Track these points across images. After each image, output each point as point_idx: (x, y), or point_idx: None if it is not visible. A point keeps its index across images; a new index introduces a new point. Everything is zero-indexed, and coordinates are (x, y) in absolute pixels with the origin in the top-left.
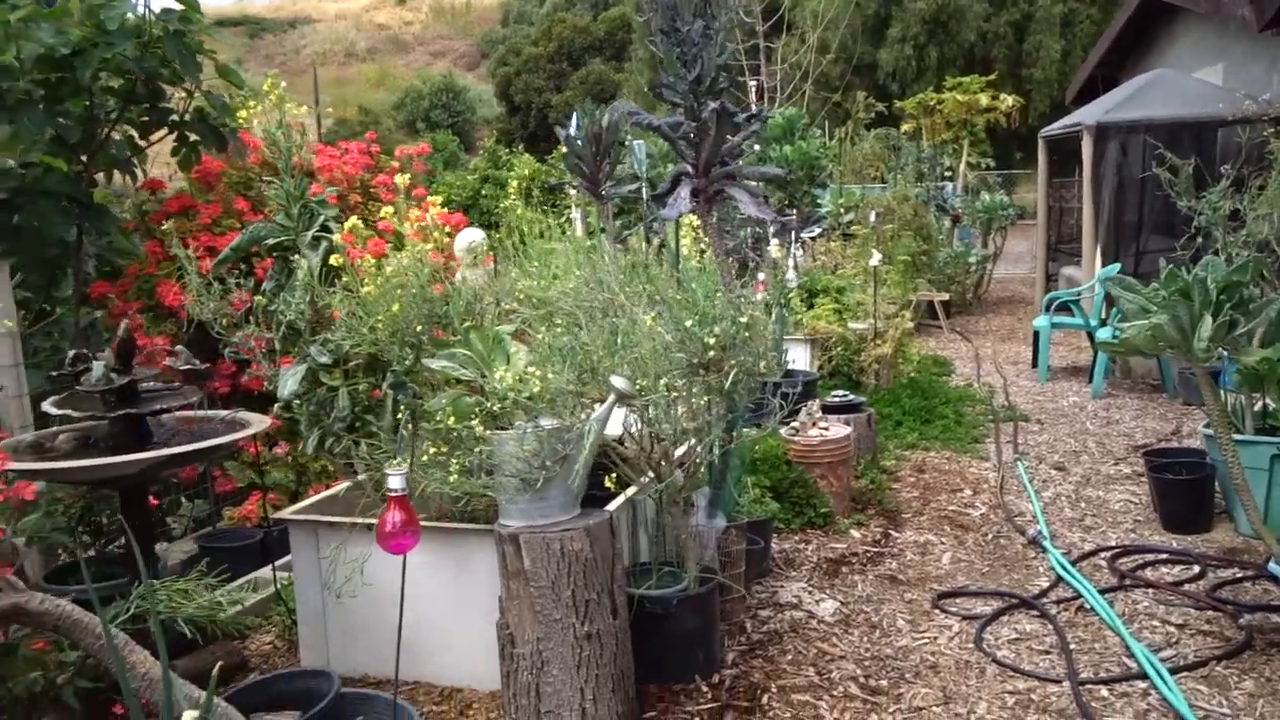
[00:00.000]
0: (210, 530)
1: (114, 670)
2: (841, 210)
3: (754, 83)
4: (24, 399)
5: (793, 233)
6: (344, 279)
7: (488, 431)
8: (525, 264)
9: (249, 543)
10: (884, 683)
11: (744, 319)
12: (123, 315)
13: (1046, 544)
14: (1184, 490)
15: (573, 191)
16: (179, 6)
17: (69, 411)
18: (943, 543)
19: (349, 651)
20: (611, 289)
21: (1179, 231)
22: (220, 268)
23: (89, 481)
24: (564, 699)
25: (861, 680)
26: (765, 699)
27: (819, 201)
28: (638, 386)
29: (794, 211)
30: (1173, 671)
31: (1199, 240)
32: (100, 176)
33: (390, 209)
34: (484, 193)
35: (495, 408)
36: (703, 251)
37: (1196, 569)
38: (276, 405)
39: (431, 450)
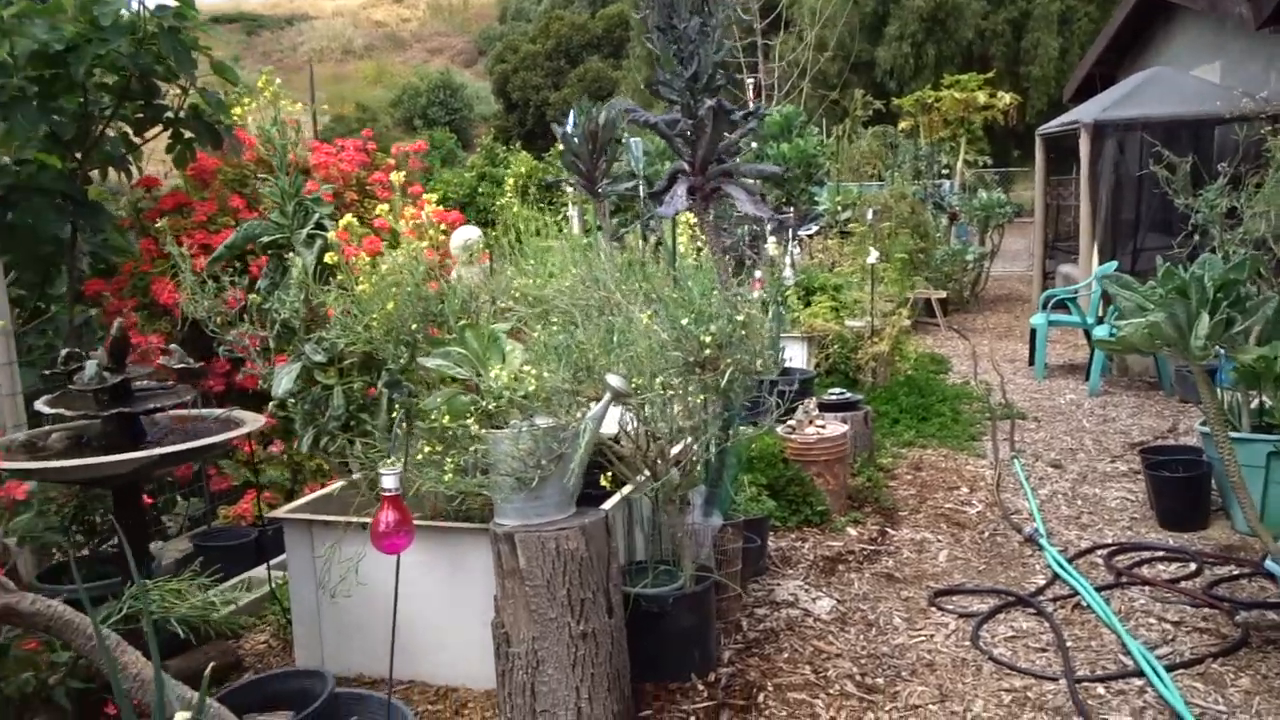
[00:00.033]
0: (205, 529)
1: (106, 671)
2: (839, 208)
3: (752, 80)
4: (17, 397)
5: (790, 230)
6: (339, 277)
7: (483, 430)
8: (521, 262)
9: (244, 541)
10: (880, 681)
11: (740, 317)
12: (117, 313)
13: (1043, 541)
14: (1180, 488)
15: (570, 189)
16: (174, 3)
17: (62, 410)
18: (939, 540)
19: (344, 651)
20: (607, 287)
21: (1176, 229)
22: (215, 265)
23: (81, 481)
24: (559, 698)
25: (858, 678)
26: (761, 697)
27: (816, 199)
28: (634, 385)
29: (791, 209)
30: (1169, 669)
31: (1196, 238)
32: (95, 174)
33: (385, 206)
34: (481, 190)
35: (490, 406)
36: (700, 249)
37: (1193, 566)
38: (271, 404)
39: (426, 449)
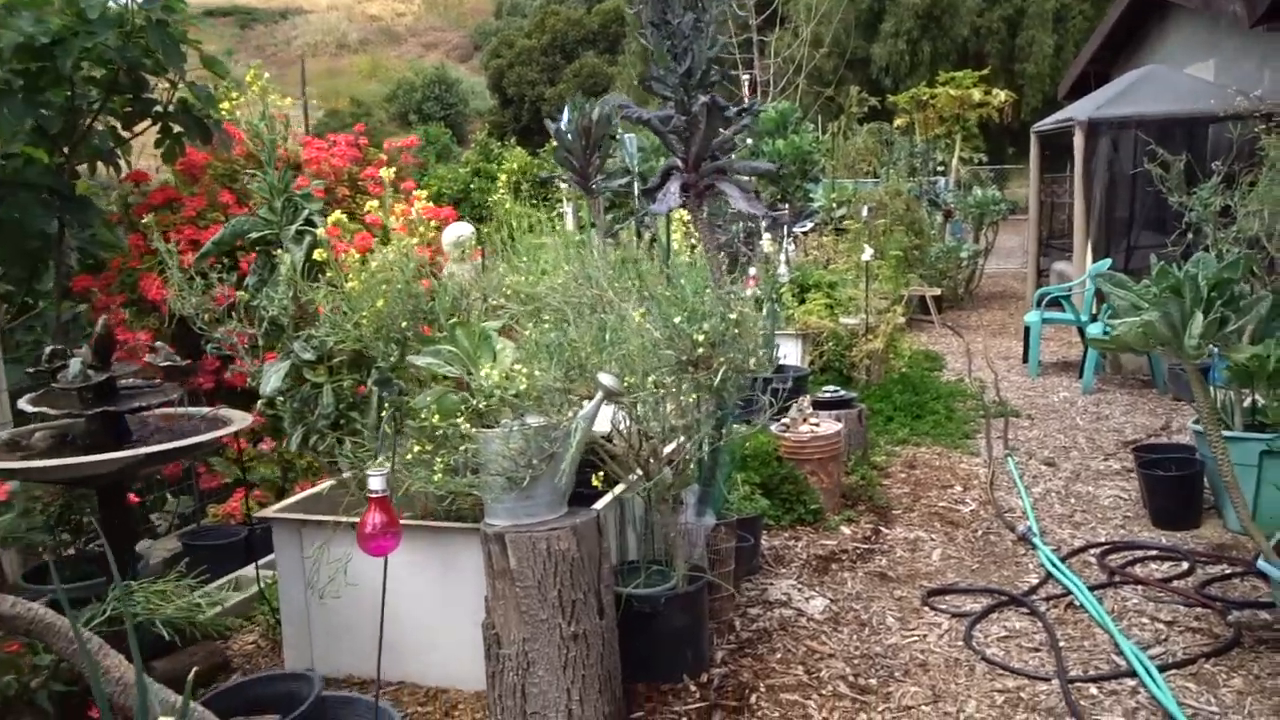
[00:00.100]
0: (194, 527)
1: (87, 675)
2: (834, 205)
3: (747, 76)
4: (2, 395)
5: (784, 227)
6: (328, 274)
7: (473, 429)
8: (513, 259)
9: (233, 540)
10: (873, 681)
11: (733, 315)
12: (105, 310)
13: (1036, 540)
14: (1173, 486)
15: (564, 185)
16: None
17: (45, 409)
18: (933, 539)
19: (333, 652)
20: (600, 285)
21: (1170, 227)
22: (203, 262)
23: (64, 481)
24: (550, 700)
25: (850, 679)
26: (754, 698)
27: (811, 196)
28: (626, 384)
29: (786, 206)
30: (1161, 669)
31: (1190, 236)
32: (84, 169)
33: (375, 203)
34: (475, 186)
35: (481, 405)
36: (693, 246)
37: (1185, 565)
38: (260, 402)
39: (416, 448)
